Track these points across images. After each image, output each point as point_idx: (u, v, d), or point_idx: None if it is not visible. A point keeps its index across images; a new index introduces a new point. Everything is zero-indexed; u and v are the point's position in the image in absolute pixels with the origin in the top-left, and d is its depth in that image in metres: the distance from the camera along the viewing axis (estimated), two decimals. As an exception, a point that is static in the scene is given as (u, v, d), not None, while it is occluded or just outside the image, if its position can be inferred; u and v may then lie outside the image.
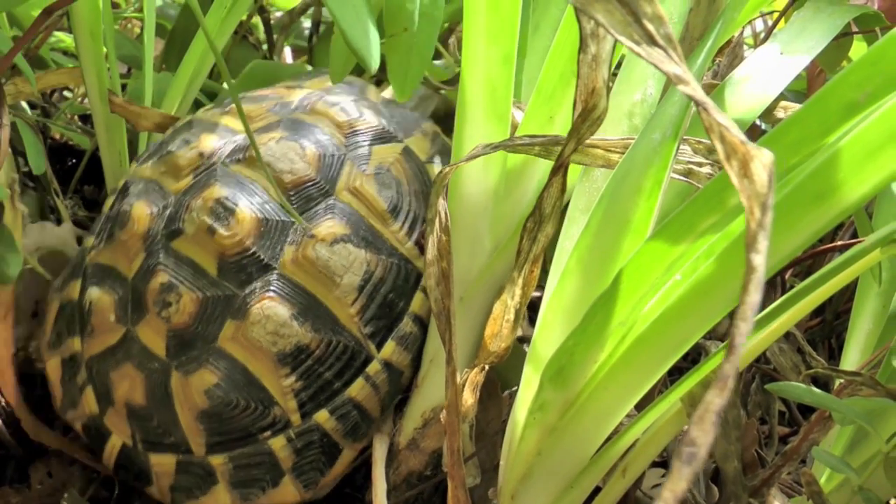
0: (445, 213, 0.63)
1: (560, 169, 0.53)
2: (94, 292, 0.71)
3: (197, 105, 0.95)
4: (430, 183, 0.75)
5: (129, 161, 0.91)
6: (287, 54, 1.26)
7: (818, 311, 1.03)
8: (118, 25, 1.11)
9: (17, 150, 0.92)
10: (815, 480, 0.60)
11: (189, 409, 0.67)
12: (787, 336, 0.79)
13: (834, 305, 1.03)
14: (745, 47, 0.97)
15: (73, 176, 1.05)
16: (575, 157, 0.59)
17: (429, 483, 0.72)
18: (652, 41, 0.38)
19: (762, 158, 0.35)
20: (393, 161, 0.74)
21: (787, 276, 0.92)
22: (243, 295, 0.66)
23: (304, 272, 0.67)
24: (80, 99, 1.07)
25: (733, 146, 0.36)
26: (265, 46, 1.15)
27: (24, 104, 0.97)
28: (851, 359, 0.76)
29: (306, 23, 1.22)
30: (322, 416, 0.68)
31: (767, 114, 0.73)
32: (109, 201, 0.77)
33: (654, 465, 0.73)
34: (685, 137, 0.57)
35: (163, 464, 0.69)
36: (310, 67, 0.94)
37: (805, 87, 0.88)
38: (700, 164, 0.56)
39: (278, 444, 0.67)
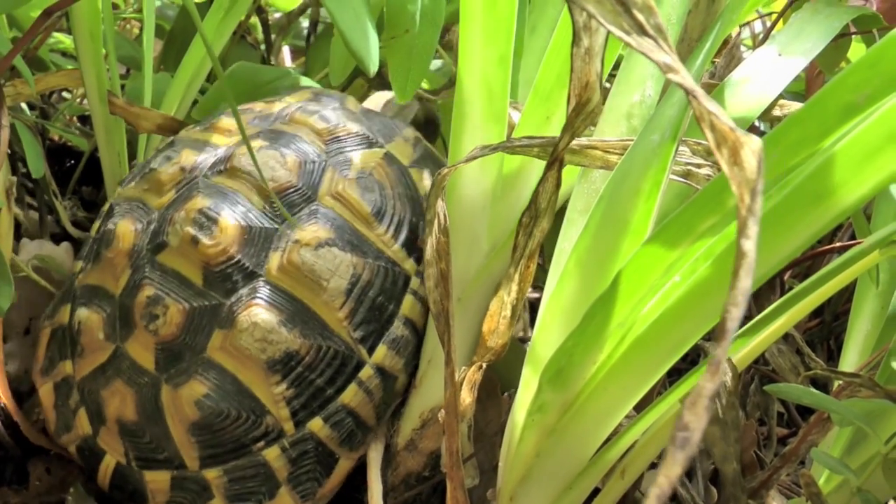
0: (444, 215, 0.63)
1: (554, 163, 0.53)
2: (82, 312, 0.71)
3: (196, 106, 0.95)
4: (413, 186, 0.75)
5: (129, 162, 0.91)
6: (286, 55, 1.26)
7: (817, 312, 1.03)
8: (117, 26, 1.11)
9: (16, 152, 0.92)
10: (813, 482, 0.60)
11: (180, 421, 0.66)
12: (786, 337, 0.80)
13: (833, 307, 1.04)
14: (744, 48, 0.97)
15: (72, 177, 1.05)
16: (574, 158, 0.59)
17: (427, 484, 0.72)
18: (642, 31, 0.39)
19: (751, 145, 0.35)
20: (375, 165, 0.73)
21: (785, 278, 0.93)
22: (230, 303, 0.66)
23: (290, 278, 0.67)
24: (78, 100, 1.07)
25: (723, 134, 0.36)
26: (263, 46, 1.15)
27: (22, 105, 0.97)
28: (850, 360, 0.76)
29: (304, 23, 1.22)
30: (316, 425, 0.67)
31: (766, 114, 0.73)
32: (96, 225, 0.76)
33: (654, 466, 0.73)
34: (684, 139, 0.57)
35: (157, 481, 0.68)
36: (294, 74, 0.94)
37: (804, 88, 0.88)
38: (699, 166, 0.57)
39: (272, 454, 0.67)
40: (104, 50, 0.82)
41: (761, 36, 0.97)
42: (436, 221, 0.63)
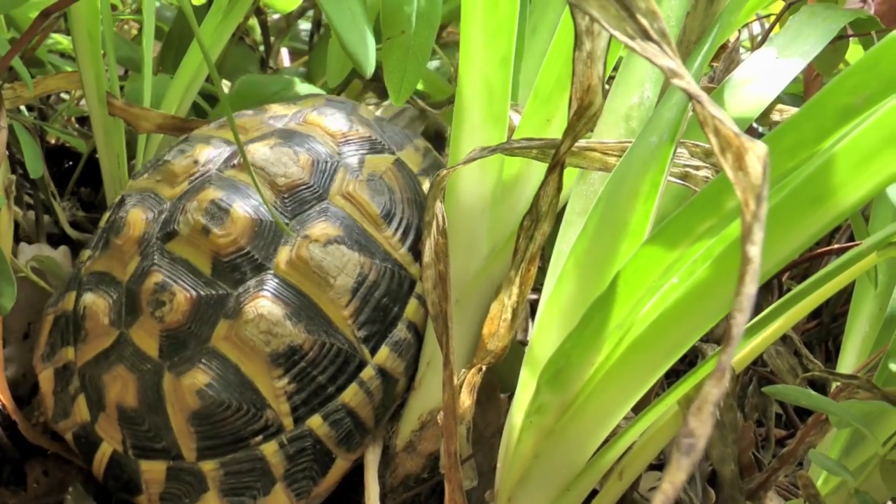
0: (442, 216, 0.63)
1: (556, 167, 0.53)
2: (88, 297, 0.71)
3: (195, 108, 0.95)
4: (422, 193, 0.76)
5: (128, 163, 0.91)
6: (284, 56, 1.26)
7: (815, 313, 1.03)
8: (115, 27, 1.11)
9: (15, 154, 0.92)
10: (811, 483, 0.60)
11: (181, 410, 0.66)
12: (784, 339, 0.80)
13: (831, 308, 1.04)
14: (742, 50, 0.97)
15: (70, 178, 1.05)
16: (572, 159, 0.59)
17: (426, 485, 0.72)
18: (646, 36, 0.39)
19: (756, 151, 0.35)
20: (385, 170, 0.74)
21: (783, 279, 0.93)
22: (237, 294, 0.66)
23: (298, 272, 0.67)
24: (76, 101, 1.06)
25: (728, 139, 0.36)
26: (262, 47, 1.15)
27: (21, 107, 0.97)
28: (848, 362, 0.76)
29: (303, 25, 1.22)
30: (315, 422, 0.67)
31: (764, 117, 0.73)
32: (106, 215, 0.77)
33: (652, 467, 0.73)
34: (682, 141, 0.57)
35: (153, 471, 0.68)
36: (299, 82, 0.95)
37: (802, 90, 0.88)
38: (697, 168, 0.57)
39: (270, 449, 0.67)
40: (103, 51, 0.82)
41: (759, 38, 0.97)
42: (434, 223, 0.63)
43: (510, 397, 0.66)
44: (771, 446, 0.87)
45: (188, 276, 0.67)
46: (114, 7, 1.00)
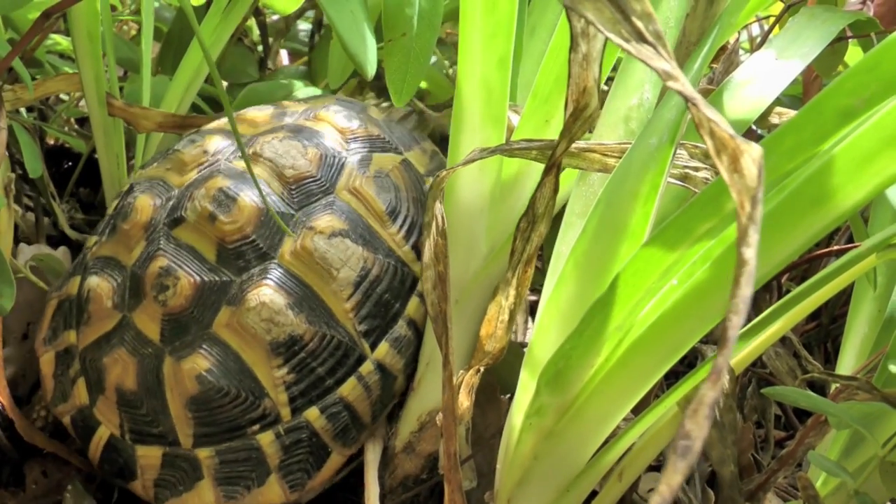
0: (442, 217, 0.63)
1: (552, 169, 0.54)
2: (92, 280, 0.71)
3: (194, 110, 0.95)
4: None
5: (127, 163, 0.91)
6: (283, 57, 1.26)
7: (814, 315, 1.03)
8: (115, 28, 1.11)
9: (14, 155, 0.92)
10: (811, 484, 0.60)
11: (179, 394, 0.67)
12: (784, 340, 0.80)
13: (830, 309, 1.04)
14: (741, 52, 0.97)
15: (70, 179, 1.05)
16: (572, 161, 0.59)
17: (425, 486, 0.72)
18: (641, 38, 0.39)
19: (752, 153, 0.35)
20: (392, 168, 0.75)
21: (783, 281, 0.93)
22: (240, 281, 0.67)
23: (301, 263, 0.68)
24: (76, 102, 1.06)
25: (723, 141, 0.36)
26: (260, 48, 1.15)
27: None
28: (847, 363, 0.76)
29: (302, 25, 1.22)
30: (312, 414, 0.68)
31: (762, 119, 0.73)
32: (114, 203, 0.77)
33: (651, 468, 0.73)
34: (682, 142, 0.57)
35: (149, 456, 0.68)
36: (301, 86, 0.95)
37: (801, 91, 0.88)
38: (697, 169, 0.57)
39: (266, 439, 0.67)
40: (102, 51, 0.82)
41: (759, 39, 0.97)
42: (434, 224, 0.63)
43: (510, 399, 0.67)
44: (770, 447, 0.87)
45: (193, 262, 0.68)
46: (113, 8, 1.00)
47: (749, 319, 0.60)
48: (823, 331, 1.03)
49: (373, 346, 0.70)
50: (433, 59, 1.01)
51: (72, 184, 1.05)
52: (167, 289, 0.67)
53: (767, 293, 0.88)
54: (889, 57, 0.42)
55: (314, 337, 0.67)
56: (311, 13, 1.17)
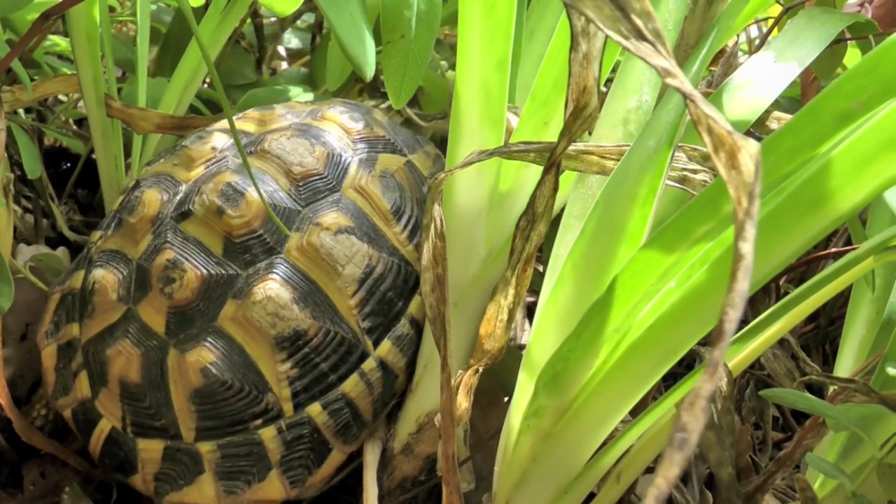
0: (440, 219, 0.63)
1: (552, 168, 0.54)
2: (98, 272, 0.71)
3: (192, 111, 0.95)
4: None
5: (125, 163, 0.91)
6: (282, 55, 1.26)
7: (812, 317, 1.03)
8: (113, 29, 1.11)
9: (12, 156, 0.92)
10: (808, 486, 0.60)
11: (183, 387, 0.67)
12: (782, 342, 0.80)
13: (828, 312, 1.04)
14: (740, 54, 0.97)
15: (68, 180, 1.05)
16: (570, 163, 0.59)
17: (423, 488, 0.72)
18: (640, 36, 0.39)
19: (749, 149, 0.35)
20: (397, 169, 0.76)
21: (781, 283, 0.93)
22: (246, 275, 0.67)
23: (307, 258, 0.68)
24: (74, 104, 1.06)
25: (721, 137, 0.36)
26: (257, 50, 1.15)
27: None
28: (845, 365, 0.76)
29: (300, 26, 1.22)
30: (314, 410, 0.68)
31: (760, 123, 0.74)
32: (119, 199, 0.78)
33: (649, 470, 0.73)
34: (680, 144, 0.57)
35: (150, 450, 0.68)
36: (301, 92, 0.95)
37: (799, 94, 0.88)
38: (695, 171, 0.57)
39: (268, 434, 0.67)
40: (101, 53, 0.82)
41: (757, 42, 0.97)
42: (432, 226, 0.63)
43: (508, 400, 0.67)
44: (768, 449, 0.87)
45: (200, 255, 0.68)
46: (111, 9, 1.00)
47: (747, 321, 0.60)
48: (821, 333, 1.03)
49: (375, 344, 0.70)
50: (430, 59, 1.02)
51: (70, 185, 1.05)
52: (173, 281, 0.67)
53: (766, 295, 0.88)
54: (887, 59, 0.43)
55: (318, 332, 0.67)
56: (311, 16, 1.17)
